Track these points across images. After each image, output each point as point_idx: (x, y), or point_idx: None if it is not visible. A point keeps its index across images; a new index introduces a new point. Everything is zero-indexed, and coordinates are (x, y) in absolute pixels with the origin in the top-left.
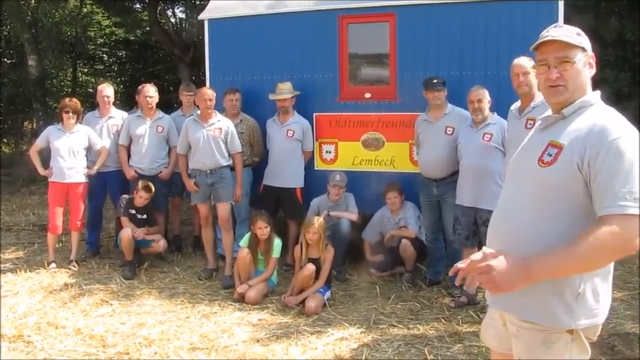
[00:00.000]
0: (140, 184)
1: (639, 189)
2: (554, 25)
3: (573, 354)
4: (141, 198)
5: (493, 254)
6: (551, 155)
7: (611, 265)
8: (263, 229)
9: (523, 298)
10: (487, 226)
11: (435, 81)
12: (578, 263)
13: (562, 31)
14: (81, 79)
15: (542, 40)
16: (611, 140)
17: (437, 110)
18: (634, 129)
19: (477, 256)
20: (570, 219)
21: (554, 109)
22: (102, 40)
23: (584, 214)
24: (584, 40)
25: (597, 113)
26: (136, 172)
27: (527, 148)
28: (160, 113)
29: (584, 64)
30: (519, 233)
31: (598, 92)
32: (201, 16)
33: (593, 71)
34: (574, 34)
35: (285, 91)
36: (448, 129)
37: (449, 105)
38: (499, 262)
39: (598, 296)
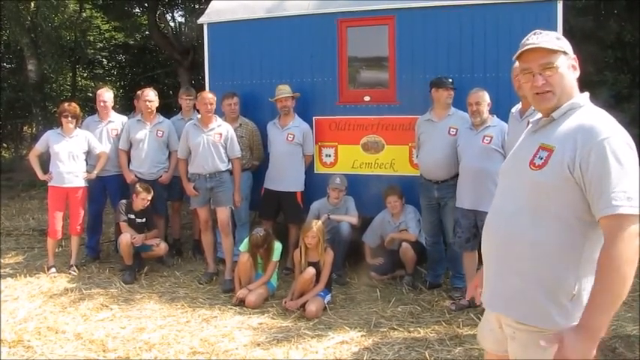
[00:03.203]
0: (139, 186)
1: (631, 187)
2: (532, 32)
3: None
4: (142, 200)
5: (553, 340)
6: (542, 158)
7: None
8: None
9: (519, 300)
10: None
11: (450, 80)
12: (618, 292)
13: (542, 38)
14: (80, 83)
15: (523, 50)
16: (600, 140)
17: (442, 110)
18: (622, 129)
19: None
20: (563, 221)
21: (544, 113)
22: (101, 45)
23: (576, 215)
24: (564, 44)
25: (586, 115)
26: (136, 176)
27: (519, 150)
28: (160, 117)
29: (568, 67)
30: (513, 236)
31: (586, 94)
32: (201, 20)
33: (578, 73)
34: (553, 39)
35: (284, 91)
36: (451, 129)
37: (452, 107)
38: (568, 346)
39: None
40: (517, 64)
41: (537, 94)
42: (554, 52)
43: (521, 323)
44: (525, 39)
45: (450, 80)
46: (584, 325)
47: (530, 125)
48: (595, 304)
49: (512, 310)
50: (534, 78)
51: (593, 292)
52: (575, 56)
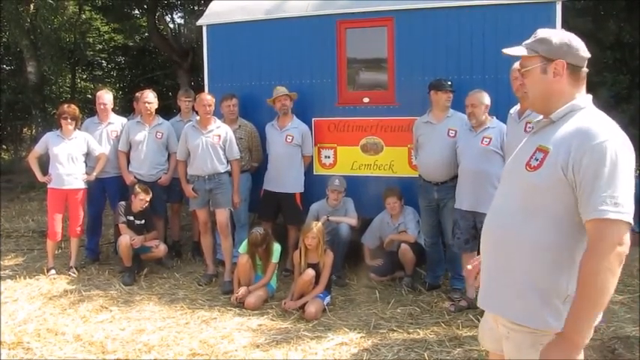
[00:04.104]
0: (138, 187)
1: (621, 193)
2: (534, 32)
3: None
4: (141, 201)
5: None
6: (537, 160)
7: None
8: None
9: (512, 300)
10: None
11: (449, 82)
12: (596, 302)
13: (526, 41)
14: (80, 85)
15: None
16: (596, 144)
17: (441, 112)
18: (621, 133)
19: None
20: (557, 222)
21: (543, 114)
22: (101, 46)
23: (570, 217)
24: (544, 47)
25: (585, 117)
26: (135, 177)
27: (519, 152)
28: (159, 119)
29: (543, 71)
30: (509, 236)
31: (589, 96)
32: (200, 22)
33: (560, 77)
34: (533, 43)
35: (282, 90)
36: (450, 131)
37: (450, 109)
38: (551, 353)
39: None
40: (515, 65)
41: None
42: (527, 57)
43: (515, 323)
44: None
45: (449, 83)
46: (566, 335)
47: (532, 126)
48: (575, 313)
49: (507, 311)
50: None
51: (574, 300)
52: (561, 61)
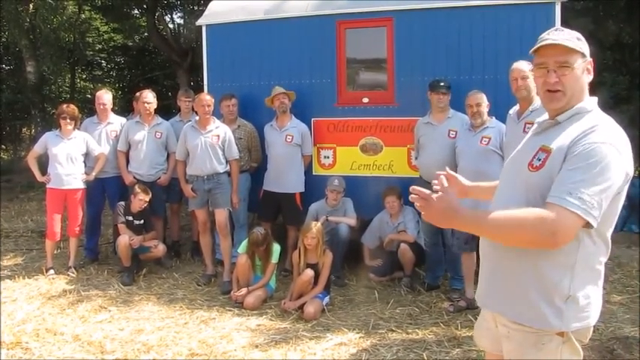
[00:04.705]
0: (137, 187)
1: (590, 192)
2: (554, 28)
3: (565, 356)
4: (140, 201)
5: (444, 188)
6: (540, 160)
7: (602, 269)
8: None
9: (513, 300)
10: None
11: (442, 84)
12: (495, 227)
13: (563, 35)
14: (79, 85)
15: (542, 44)
16: (588, 143)
17: (440, 113)
18: (621, 140)
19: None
20: None
21: (551, 114)
22: (100, 46)
23: None
24: (583, 45)
25: (590, 120)
26: (134, 177)
27: (521, 151)
28: (159, 119)
29: (583, 70)
30: None
31: (595, 99)
32: (199, 22)
33: (591, 77)
34: (574, 39)
35: (279, 89)
36: (451, 132)
37: (451, 109)
38: (439, 197)
39: (588, 299)
40: (515, 66)
41: (548, 91)
42: (573, 51)
43: (516, 323)
44: (546, 33)
45: (442, 84)
46: (459, 206)
47: (535, 126)
48: (481, 210)
49: (507, 310)
50: (548, 74)
51: (499, 212)
52: (591, 60)
